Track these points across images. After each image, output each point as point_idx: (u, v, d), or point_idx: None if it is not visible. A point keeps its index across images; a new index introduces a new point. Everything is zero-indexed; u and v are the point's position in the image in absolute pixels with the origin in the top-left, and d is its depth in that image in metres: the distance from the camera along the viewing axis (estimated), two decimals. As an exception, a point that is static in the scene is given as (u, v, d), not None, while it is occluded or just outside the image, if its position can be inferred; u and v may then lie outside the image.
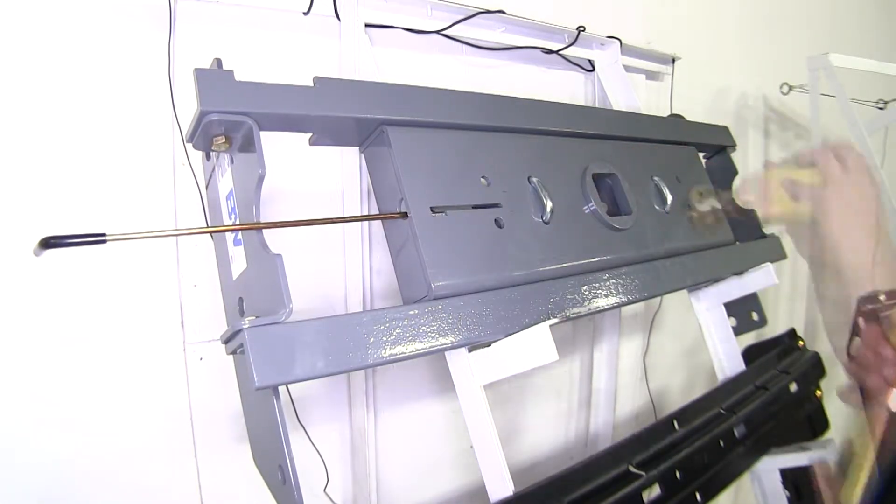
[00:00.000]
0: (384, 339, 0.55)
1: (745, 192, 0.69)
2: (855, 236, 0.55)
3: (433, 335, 0.58)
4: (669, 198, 0.89)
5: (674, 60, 1.38)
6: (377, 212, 0.69)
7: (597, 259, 0.77)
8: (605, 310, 0.75)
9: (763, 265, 0.99)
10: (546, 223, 0.72)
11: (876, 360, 0.49)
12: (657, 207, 0.89)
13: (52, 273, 0.69)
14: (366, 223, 0.92)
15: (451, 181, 0.66)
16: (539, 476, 0.69)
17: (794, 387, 1.05)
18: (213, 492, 0.82)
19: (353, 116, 0.62)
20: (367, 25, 0.89)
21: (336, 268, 0.92)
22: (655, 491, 0.80)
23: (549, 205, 0.72)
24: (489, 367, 0.64)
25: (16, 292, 0.68)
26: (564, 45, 1.14)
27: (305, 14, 0.84)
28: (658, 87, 1.40)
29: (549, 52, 1.13)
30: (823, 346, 0.70)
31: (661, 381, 1.55)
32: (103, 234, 0.46)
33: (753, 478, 1.03)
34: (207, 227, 0.72)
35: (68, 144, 0.71)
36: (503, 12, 1.01)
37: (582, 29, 1.14)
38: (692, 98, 1.54)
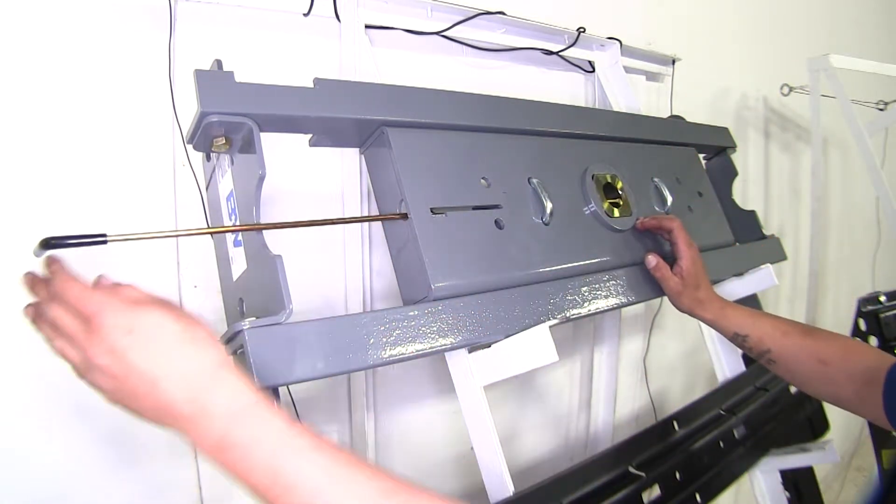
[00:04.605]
0: (384, 339, 0.55)
1: None
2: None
3: (433, 336, 0.58)
4: (669, 199, 0.89)
5: (674, 61, 1.38)
6: (377, 213, 0.69)
7: (597, 260, 0.77)
8: (605, 311, 0.75)
9: (763, 266, 0.98)
10: (546, 224, 0.72)
11: None
12: (657, 208, 0.89)
13: (52, 274, 0.69)
14: (366, 224, 0.92)
15: (452, 182, 0.66)
16: (539, 477, 0.69)
17: (794, 388, 1.05)
18: (213, 492, 0.82)
19: (353, 118, 0.62)
20: (367, 27, 0.89)
21: (336, 269, 0.92)
22: (655, 492, 0.80)
23: (549, 206, 0.72)
24: (489, 368, 0.65)
25: (16, 293, 0.68)
26: (565, 47, 1.14)
27: (306, 15, 0.84)
28: (658, 88, 1.40)
29: (550, 53, 1.13)
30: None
31: (662, 382, 1.54)
32: (104, 235, 0.47)
33: (753, 479, 1.03)
34: (208, 227, 0.72)
35: (69, 145, 0.71)
36: (503, 13, 1.01)
37: (582, 30, 1.14)
38: (692, 99, 1.54)
